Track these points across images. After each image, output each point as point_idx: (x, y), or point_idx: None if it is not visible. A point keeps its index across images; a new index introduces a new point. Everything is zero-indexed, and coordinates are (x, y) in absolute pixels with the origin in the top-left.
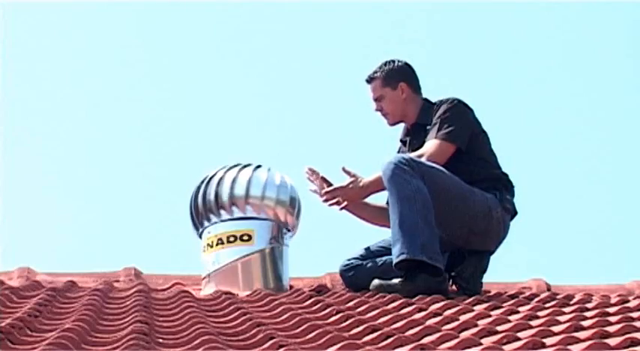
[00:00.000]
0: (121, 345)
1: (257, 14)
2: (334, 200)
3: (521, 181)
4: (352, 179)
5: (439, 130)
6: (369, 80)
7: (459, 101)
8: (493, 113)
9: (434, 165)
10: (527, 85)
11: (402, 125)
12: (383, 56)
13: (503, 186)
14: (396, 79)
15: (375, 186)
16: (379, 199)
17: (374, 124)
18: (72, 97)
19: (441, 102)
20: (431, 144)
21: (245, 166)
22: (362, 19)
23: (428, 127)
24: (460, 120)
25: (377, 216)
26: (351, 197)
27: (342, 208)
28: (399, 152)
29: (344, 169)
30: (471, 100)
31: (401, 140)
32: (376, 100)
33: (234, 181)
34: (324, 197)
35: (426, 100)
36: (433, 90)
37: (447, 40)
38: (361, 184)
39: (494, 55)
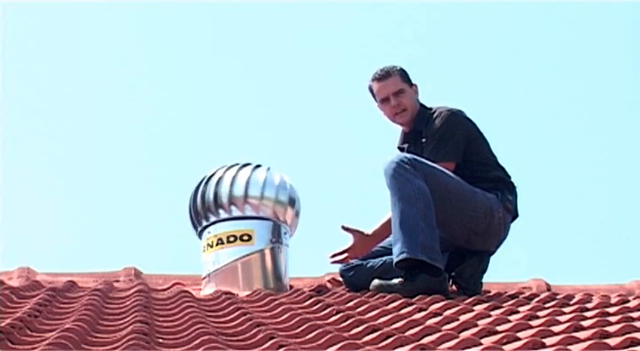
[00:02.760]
0: (121, 345)
1: (257, 14)
2: (342, 257)
3: (521, 181)
4: (356, 237)
5: (437, 150)
6: (385, 76)
7: (451, 113)
8: (493, 114)
9: (436, 165)
10: (527, 85)
11: (397, 131)
12: (383, 56)
13: (504, 186)
14: (410, 78)
15: (384, 231)
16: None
17: (374, 123)
18: (72, 97)
19: (434, 114)
20: None
21: (244, 166)
22: (362, 19)
23: (423, 140)
24: (453, 136)
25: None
26: (361, 252)
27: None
28: None
29: (343, 227)
30: (470, 100)
31: (399, 148)
32: (395, 94)
33: (233, 180)
34: (332, 260)
35: (421, 105)
36: (433, 90)
37: (446, 40)
38: (370, 234)
39: (494, 56)
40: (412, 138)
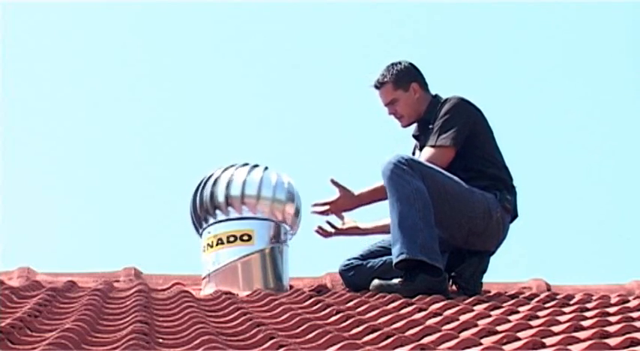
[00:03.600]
0: (121, 345)
1: (257, 14)
2: (324, 209)
3: (521, 181)
4: (341, 192)
5: (439, 134)
6: (379, 85)
7: (462, 101)
8: (493, 113)
9: (433, 166)
10: (527, 85)
11: (397, 129)
12: (383, 56)
13: (504, 186)
14: (407, 80)
15: (370, 197)
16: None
17: (374, 123)
18: (72, 97)
19: (445, 101)
20: (430, 151)
21: (245, 165)
22: (362, 19)
23: (430, 126)
24: (457, 122)
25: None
26: (343, 207)
27: (341, 231)
28: (414, 148)
29: (332, 181)
30: (470, 99)
31: (413, 136)
32: (389, 104)
33: (234, 181)
34: (312, 209)
35: (435, 96)
36: (433, 90)
37: (446, 40)
38: (356, 193)
39: (493, 56)
40: (422, 127)
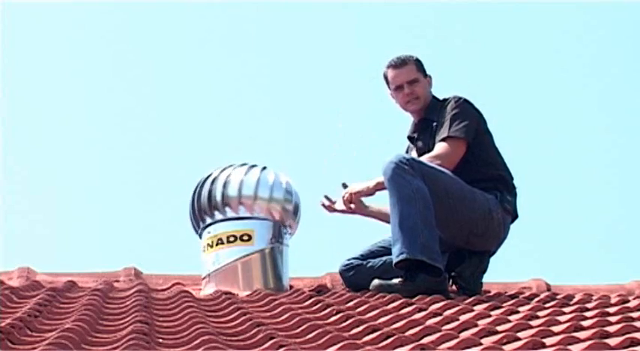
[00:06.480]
0: (121, 345)
1: (257, 14)
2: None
3: (521, 181)
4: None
5: (450, 126)
6: (402, 63)
7: (466, 100)
8: (494, 113)
9: (434, 165)
10: (529, 85)
11: (409, 122)
12: (383, 56)
13: (504, 187)
14: (424, 69)
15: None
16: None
17: (375, 123)
18: (72, 97)
19: (448, 100)
20: (443, 145)
21: (248, 166)
22: (363, 18)
23: (434, 124)
24: (466, 117)
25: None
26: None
27: (355, 211)
28: (407, 149)
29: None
30: (472, 99)
31: (408, 137)
32: (409, 82)
33: (236, 181)
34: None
35: (433, 97)
36: (435, 89)
37: (447, 40)
38: (370, 183)
39: (495, 55)
40: (422, 127)
